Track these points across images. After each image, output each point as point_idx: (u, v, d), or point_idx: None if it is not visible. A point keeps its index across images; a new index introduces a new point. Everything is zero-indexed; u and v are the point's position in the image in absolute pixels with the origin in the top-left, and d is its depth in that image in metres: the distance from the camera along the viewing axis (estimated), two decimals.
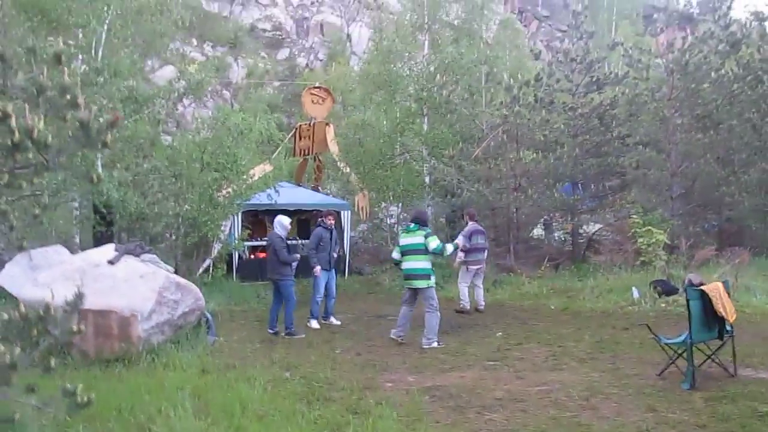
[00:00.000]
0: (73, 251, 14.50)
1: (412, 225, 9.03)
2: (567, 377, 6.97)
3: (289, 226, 10.42)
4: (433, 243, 8.78)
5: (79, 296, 3.96)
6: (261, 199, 15.46)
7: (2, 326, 3.87)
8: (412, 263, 8.93)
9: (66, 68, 4.06)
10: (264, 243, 17.72)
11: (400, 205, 22.55)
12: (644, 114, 16.37)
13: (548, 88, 16.78)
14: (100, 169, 14.59)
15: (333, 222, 10.99)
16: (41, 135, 3.35)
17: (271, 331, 10.01)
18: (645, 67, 15.93)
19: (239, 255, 16.03)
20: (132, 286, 7.99)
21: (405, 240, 9.04)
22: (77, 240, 16.11)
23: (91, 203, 14.30)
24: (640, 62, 15.95)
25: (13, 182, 3.51)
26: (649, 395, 6.23)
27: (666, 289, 11.17)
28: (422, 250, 8.81)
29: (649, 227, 12.94)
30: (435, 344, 8.77)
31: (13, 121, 3.36)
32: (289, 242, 17.81)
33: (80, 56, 15.02)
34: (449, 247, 9.11)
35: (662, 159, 15.65)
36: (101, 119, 3.41)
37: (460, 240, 11.13)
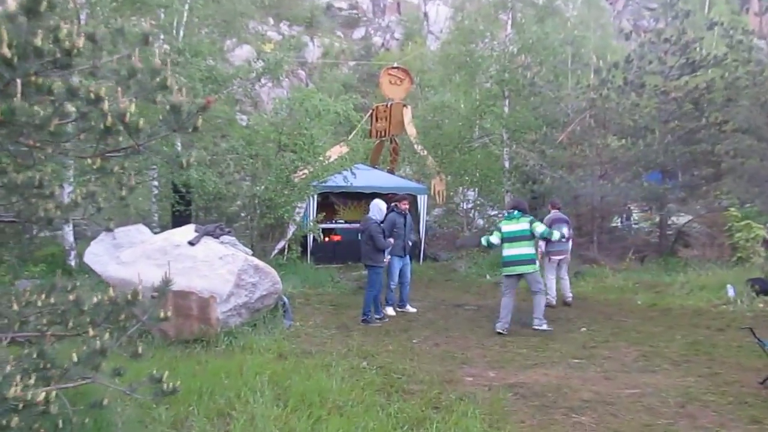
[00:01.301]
0: (151, 229, 15.02)
1: (515, 212, 9.30)
2: (660, 380, 6.65)
3: (385, 210, 10.36)
4: (540, 227, 9.17)
5: (167, 282, 3.97)
6: (337, 181, 15.54)
7: (91, 309, 3.92)
8: (517, 249, 9.18)
9: (155, 49, 4.06)
10: (340, 226, 18.01)
11: (477, 190, 22.28)
12: (744, 99, 15.48)
13: (639, 70, 16.08)
14: (179, 149, 14.98)
15: (407, 207, 10.85)
16: (133, 119, 3.34)
17: (377, 316, 10.01)
18: (746, 48, 15.05)
19: (314, 238, 16.15)
20: (211, 267, 8.10)
21: (508, 227, 9.24)
22: (156, 218, 16.63)
23: (170, 182, 14.66)
24: (741, 43, 15.07)
25: (104, 166, 3.52)
26: (752, 405, 5.86)
27: (765, 288, 10.57)
28: (528, 236, 9.15)
29: (748, 221, 12.25)
30: (545, 326, 9.11)
31: (105, 105, 3.37)
32: (356, 225, 18.14)
33: (161, 36, 15.36)
34: (556, 234, 9.33)
35: (763, 147, 14.78)
36: (192, 103, 3.37)
37: (565, 230, 10.95)
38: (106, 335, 3.62)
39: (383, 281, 10.33)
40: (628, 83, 16.07)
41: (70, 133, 3.54)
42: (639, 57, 16.23)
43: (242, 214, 15.32)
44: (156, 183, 15.66)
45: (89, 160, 3.44)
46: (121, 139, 3.67)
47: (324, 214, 16.57)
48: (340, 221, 18.31)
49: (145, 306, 3.91)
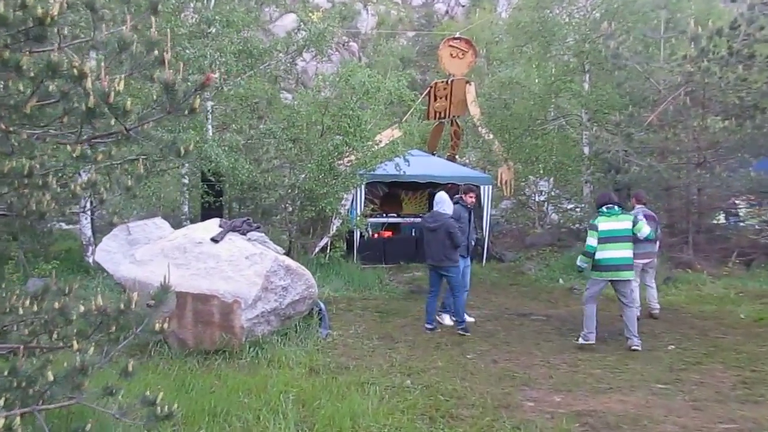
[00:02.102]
0: (180, 222, 15.22)
1: (616, 208, 9.17)
2: (764, 414, 6.28)
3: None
4: (646, 229, 9.15)
5: (165, 289, 3.88)
6: (388, 169, 15.44)
7: (79, 320, 3.87)
8: (618, 252, 9.02)
9: (160, 19, 3.98)
10: (392, 220, 17.95)
11: (552, 180, 21.88)
12: None
13: (747, 38, 15.36)
14: (210, 132, 15.11)
15: (474, 201, 10.68)
16: (119, 99, 3.25)
17: (429, 326, 9.94)
18: None
19: (361, 234, 16.12)
20: (236, 268, 8.08)
21: (608, 224, 9.07)
22: (186, 210, 16.85)
23: (199, 171, 14.81)
24: None
25: (87, 154, 3.45)
26: None
27: None
28: (630, 237, 9.07)
29: None
30: (638, 344, 8.94)
31: (88, 83, 3.29)
32: (414, 220, 18.11)
33: (191, 4, 15.48)
34: (645, 228, 9.26)
35: None
36: (188, 81, 3.26)
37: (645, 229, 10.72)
38: (91, 349, 3.55)
39: (445, 285, 10.22)
40: (733, 54, 15.35)
41: (51, 115, 3.48)
42: (748, 22, 15.47)
43: (281, 206, 15.41)
44: (184, 171, 15.84)
45: (69, 147, 3.37)
46: (113, 123, 3.61)
47: (373, 207, 16.49)
48: (392, 215, 18.23)
49: (140, 316, 3.84)
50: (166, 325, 3.90)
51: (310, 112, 15.39)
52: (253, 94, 16.59)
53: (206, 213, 14.40)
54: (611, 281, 9.08)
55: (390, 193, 18.63)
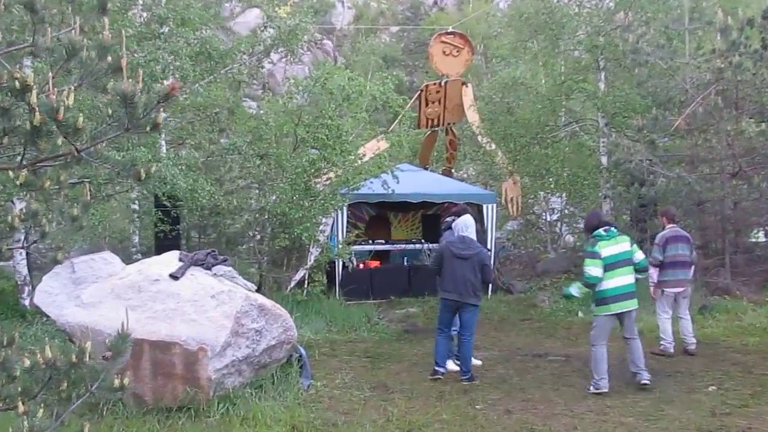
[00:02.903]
0: (130, 256, 15.14)
1: (613, 230, 9.27)
2: None
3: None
4: (640, 254, 9.34)
5: (124, 338, 3.85)
6: (374, 188, 15.51)
7: (23, 376, 3.83)
8: (622, 279, 9.10)
9: (112, 20, 3.97)
10: (380, 247, 18.01)
11: (565, 195, 22.01)
12: None
13: None
14: (163, 149, 15.09)
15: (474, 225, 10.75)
16: (69, 116, 3.23)
17: (440, 369, 9.90)
18: None
19: (343, 264, 16.10)
20: (201, 309, 8.05)
21: (610, 249, 9.10)
22: (136, 241, 16.78)
23: (152, 194, 14.78)
24: None
25: (33, 181, 3.43)
26: None
27: None
28: (631, 261, 9.21)
29: None
30: (648, 378, 9.11)
31: (33, 97, 3.27)
32: (406, 246, 18.17)
33: (140, 1, 15.51)
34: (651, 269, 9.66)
35: None
36: (150, 92, 3.25)
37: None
38: (40, 411, 3.51)
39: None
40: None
41: None
42: None
43: (248, 234, 15.38)
44: (134, 195, 15.80)
45: (11, 173, 3.34)
46: (60, 142, 3.59)
47: (357, 232, 16.49)
48: (380, 242, 18.28)
49: (95, 370, 3.80)
50: (126, 381, 3.86)
51: (281, 122, 15.46)
52: (213, 103, 16.56)
53: (161, 244, 14.36)
54: (618, 315, 9.14)
55: (377, 216, 18.70)
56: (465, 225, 10.05)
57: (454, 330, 10.23)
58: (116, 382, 3.84)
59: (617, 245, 9.07)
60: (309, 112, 14.95)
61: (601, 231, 9.10)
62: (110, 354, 3.90)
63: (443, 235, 10.66)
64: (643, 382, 9.02)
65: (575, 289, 9.48)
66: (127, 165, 3.43)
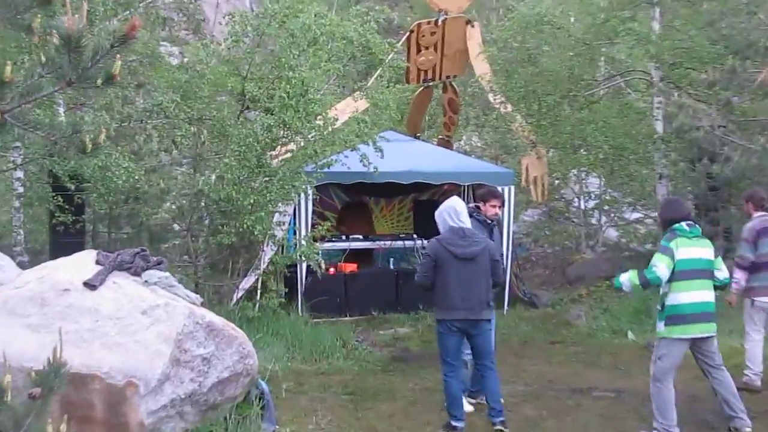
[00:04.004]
0: (13, 257, 15.06)
1: (698, 228, 9.16)
2: None
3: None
4: (724, 271, 9.31)
5: (57, 369, 3.90)
6: (349, 164, 15.46)
7: None
8: (702, 294, 9.01)
9: None
10: (357, 245, 18.06)
11: (605, 176, 22.10)
12: None
13: None
14: (61, 111, 15.05)
15: (498, 213, 10.74)
16: None
17: (459, 425, 9.57)
18: None
19: (309, 268, 16.02)
20: (128, 329, 8.03)
21: (689, 251, 8.98)
22: (21, 238, 16.72)
23: (46, 173, 14.73)
24: None
25: None
26: None
27: None
28: (712, 272, 9.17)
29: None
30: (749, 425, 9.06)
31: None
32: (392, 244, 18.21)
33: None
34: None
35: None
36: (102, 34, 3.30)
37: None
38: None
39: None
40: None
41: None
42: None
43: (178, 228, 15.36)
44: (21, 174, 15.74)
45: None
46: None
47: (327, 225, 16.44)
48: (357, 237, 18.29)
49: (18, 414, 3.85)
50: (63, 428, 3.91)
51: (222, 75, 15.41)
52: (130, 49, 16.56)
53: (59, 241, 14.36)
54: (691, 341, 9.05)
55: (353, 203, 18.75)
56: (455, 211, 9.75)
57: (467, 354, 10.20)
58: (49, 429, 3.88)
59: (699, 249, 8.97)
60: (262, 62, 14.91)
61: (683, 225, 8.95)
62: (38, 391, 3.94)
63: None
64: (746, 430, 9.04)
65: (627, 281, 9.13)
66: (66, 131, 3.47)
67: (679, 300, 8.87)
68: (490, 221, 10.45)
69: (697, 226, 9.08)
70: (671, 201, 9.94)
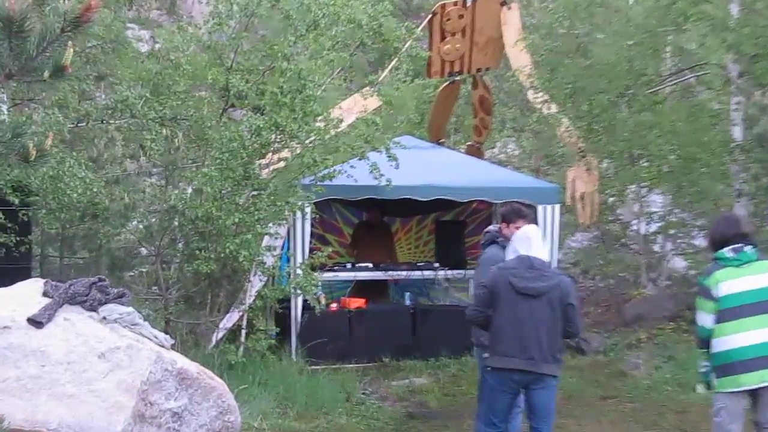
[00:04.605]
0: None
1: (749, 250, 8.86)
2: None
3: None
4: None
5: None
6: (356, 176, 15.41)
7: None
8: (758, 333, 8.77)
9: None
10: (364, 275, 17.93)
11: (671, 193, 22.05)
12: None
13: None
14: (4, 108, 15.04)
15: None
16: None
17: None
18: None
19: (306, 303, 15.95)
20: (83, 377, 7.98)
21: (735, 284, 8.81)
22: None
23: None
24: None
25: None
26: None
27: None
28: None
29: None
30: None
31: None
32: (409, 274, 18.16)
33: None
34: None
35: None
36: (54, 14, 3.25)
37: None
38: None
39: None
40: None
41: None
42: None
43: (146, 253, 15.32)
44: None
45: None
46: None
47: (329, 250, 16.39)
48: (365, 266, 18.18)
49: None
50: None
51: (202, 65, 15.39)
52: (89, 33, 16.56)
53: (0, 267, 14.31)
54: (751, 392, 8.88)
55: (362, 224, 18.68)
56: (526, 238, 9.72)
57: (518, 408, 10.12)
58: None
59: (752, 278, 8.79)
60: (250, 50, 14.89)
61: (725, 252, 8.81)
62: None
63: (485, 256, 10.65)
64: None
65: (703, 367, 9.01)
66: (5, 134, 3.42)
67: (727, 345, 8.75)
68: None
69: (747, 249, 8.82)
70: (722, 218, 9.69)
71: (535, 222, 10.89)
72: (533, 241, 9.61)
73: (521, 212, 10.71)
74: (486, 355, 9.84)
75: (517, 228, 10.48)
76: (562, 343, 9.74)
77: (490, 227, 10.76)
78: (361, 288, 18.10)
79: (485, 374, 10.08)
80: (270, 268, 15.10)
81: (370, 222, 18.85)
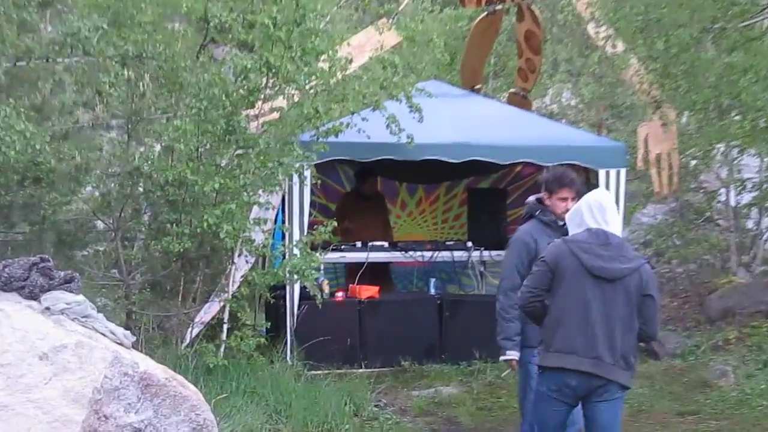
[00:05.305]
0: None
1: None
2: None
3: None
4: None
5: None
6: (369, 130, 15.32)
7: None
8: None
9: None
10: (377, 255, 17.83)
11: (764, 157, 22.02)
12: None
13: None
14: None
15: (570, 209, 10.65)
16: None
17: None
18: None
19: (302, 291, 15.90)
20: (18, 383, 7.99)
21: None
22: None
23: None
24: None
25: None
26: None
27: None
28: None
29: None
30: None
31: None
32: (434, 255, 18.10)
33: None
34: None
35: None
36: None
37: None
38: None
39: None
40: None
41: None
42: None
43: (102, 225, 15.31)
44: None
45: None
46: None
47: (331, 225, 16.24)
48: (378, 245, 18.12)
49: None
50: None
51: None
52: None
53: None
54: None
55: (351, 195, 18.68)
56: (600, 207, 9.40)
57: (576, 426, 10.11)
58: None
59: None
60: None
61: None
62: None
63: (517, 234, 10.72)
64: None
65: None
66: None
67: None
68: (562, 222, 10.34)
69: None
70: None
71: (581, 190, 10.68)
72: (609, 212, 9.32)
73: (564, 179, 10.64)
74: (537, 351, 9.69)
75: (562, 199, 10.46)
76: (637, 346, 9.49)
77: (531, 197, 10.64)
78: (371, 273, 17.92)
79: (528, 379, 10.08)
80: (259, 247, 15.06)
81: (364, 192, 18.87)
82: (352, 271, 18.03)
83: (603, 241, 9.01)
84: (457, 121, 17.31)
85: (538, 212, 10.53)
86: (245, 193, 14.24)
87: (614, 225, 9.30)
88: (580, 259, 8.98)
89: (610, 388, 9.10)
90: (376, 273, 18.14)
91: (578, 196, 10.59)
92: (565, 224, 10.21)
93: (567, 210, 10.30)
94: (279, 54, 13.94)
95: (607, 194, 9.90)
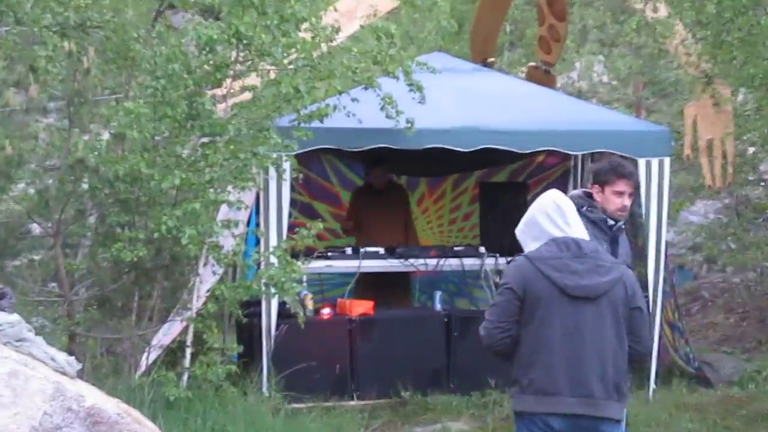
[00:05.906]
0: None
1: None
2: None
3: None
4: None
5: None
6: (360, 114, 15.41)
7: None
8: None
9: None
10: (372, 264, 17.84)
11: None
12: None
13: None
14: None
15: (627, 206, 10.72)
16: None
17: None
18: None
19: (281, 308, 15.91)
20: None
21: None
22: None
23: None
24: None
25: None
26: None
27: None
28: None
29: None
30: None
31: None
32: (439, 264, 18.09)
33: None
34: None
35: None
36: None
37: None
38: None
39: None
40: None
41: None
42: None
43: (39, 230, 15.40)
44: None
45: None
46: None
47: (319, 226, 16.24)
48: (373, 251, 18.13)
49: None
50: None
51: None
52: None
53: None
54: None
55: (363, 190, 18.76)
56: (557, 209, 9.30)
57: None
58: None
59: None
60: None
61: None
62: None
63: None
64: None
65: None
66: None
67: None
68: (613, 222, 10.47)
69: None
70: None
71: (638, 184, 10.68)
72: (568, 213, 9.24)
73: (623, 169, 10.66)
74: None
75: (618, 194, 10.47)
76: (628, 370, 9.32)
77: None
78: (367, 285, 17.94)
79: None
80: (229, 255, 15.01)
81: (374, 186, 18.89)
82: (366, 281, 17.96)
83: (576, 252, 8.87)
84: (466, 101, 17.32)
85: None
86: (212, 190, 14.23)
87: (577, 227, 9.17)
88: (553, 280, 8.74)
89: (601, 428, 8.97)
90: (393, 283, 18.31)
91: (636, 189, 10.66)
92: (615, 225, 10.32)
93: (623, 208, 10.47)
94: (251, 22, 13.99)
95: (558, 193, 9.56)
